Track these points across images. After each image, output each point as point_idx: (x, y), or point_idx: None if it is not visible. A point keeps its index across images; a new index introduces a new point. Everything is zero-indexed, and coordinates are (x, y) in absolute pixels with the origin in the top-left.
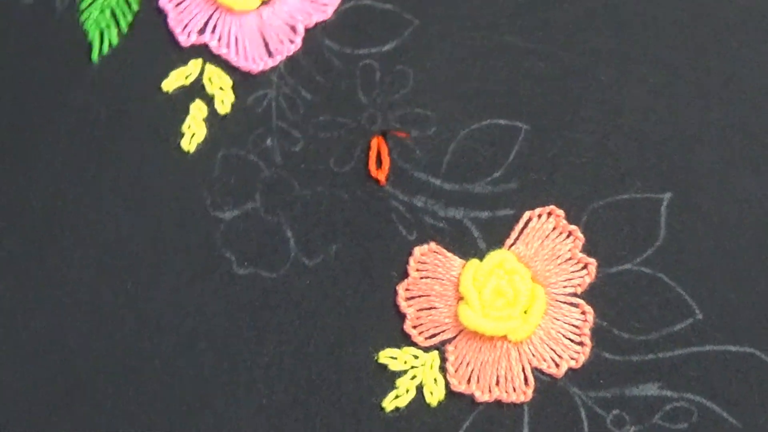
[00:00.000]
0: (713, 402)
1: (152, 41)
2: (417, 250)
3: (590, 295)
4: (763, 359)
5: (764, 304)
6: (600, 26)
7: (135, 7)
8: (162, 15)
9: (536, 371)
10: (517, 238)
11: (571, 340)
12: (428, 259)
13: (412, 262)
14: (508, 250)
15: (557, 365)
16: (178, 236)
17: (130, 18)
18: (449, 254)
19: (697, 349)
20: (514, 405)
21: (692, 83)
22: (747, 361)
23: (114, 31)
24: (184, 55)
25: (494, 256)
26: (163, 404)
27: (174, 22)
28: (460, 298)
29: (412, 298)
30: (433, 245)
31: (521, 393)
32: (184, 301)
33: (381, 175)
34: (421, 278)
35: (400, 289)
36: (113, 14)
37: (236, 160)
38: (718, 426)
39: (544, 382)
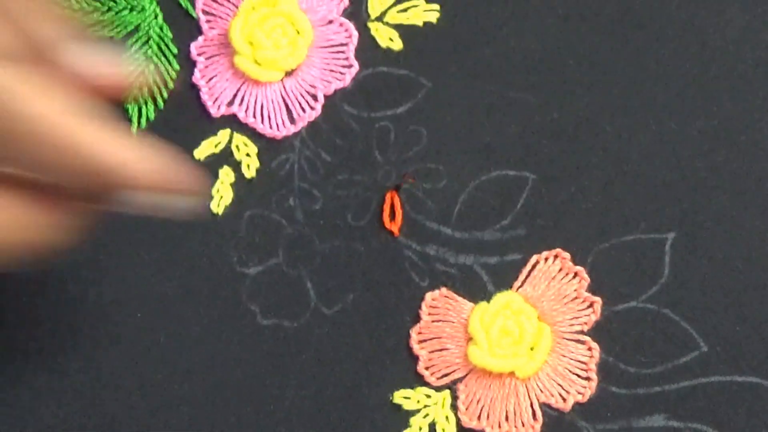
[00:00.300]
0: (720, 431)
1: (186, 114)
2: (429, 296)
3: (596, 332)
4: None
5: None
6: (607, 79)
7: (170, 84)
8: (195, 90)
9: (544, 406)
10: (524, 281)
11: (578, 376)
12: (439, 303)
13: (424, 307)
14: (516, 292)
15: (564, 400)
16: (207, 292)
17: (166, 94)
18: (459, 298)
19: (703, 380)
20: None
21: (697, 129)
22: (753, 390)
23: (151, 107)
24: (215, 126)
25: (500, 298)
26: None
27: (206, 96)
28: (470, 339)
29: (425, 340)
30: (444, 290)
31: (530, 427)
32: (211, 350)
33: (394, 227)
34: (433, 322)
35: (413, 332)
36: (150, 92)
37: (261, 219)
38: None
39: (552, 417)
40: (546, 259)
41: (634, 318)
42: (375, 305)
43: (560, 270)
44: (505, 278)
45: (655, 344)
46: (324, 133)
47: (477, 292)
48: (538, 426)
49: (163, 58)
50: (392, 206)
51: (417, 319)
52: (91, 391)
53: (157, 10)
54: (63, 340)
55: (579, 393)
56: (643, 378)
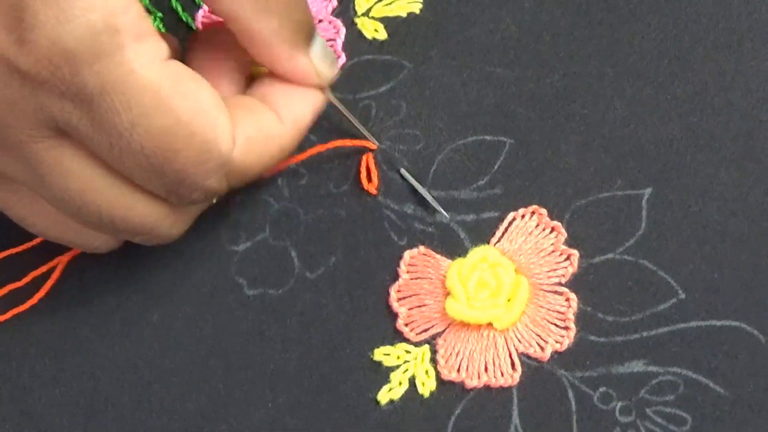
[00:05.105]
0: (699, 373)
1: None
2: (407, 254)
3: (574, 283)
4: (748, 330)
5: (745, 281)
6: (584, 52)
7: None
8: None
9: (523, 356)
10: (501, 236)
11: (556, 326)
12: (418, 261)
13: (402, 265)
14: (493, 247)
15: (542, 349)
16: (198, 269)
17: None
18: (438, 255)
19: (682, 326)
20: (503, 389)
21: (672, 93)
22: (731, 333)
23: None
24: None
25: (477, 252)
26: (180, 413)
27: None
28: (448, 294)
29: (404, 298)
30: (422, 248)
31: (509, 377)
32: (201, 323)
33: (372, 187)
34: (412, 279)
35: (392, 290)
36: None
37: (250, 200)
38: (705, 395)
39: (531, 366)
40: (523, 216)
41: (612, 269)
42: (356, 266)
43: (537, 225)
44: (483, 235)
45: (632, 293)
46: None
47: (455, 249)
48: (516, 375)
49: None
50: (368, 168)
51: (396, 277)
52: (86, 369)
53: (160, 25)
54: (58, 322)
55: (557, 342)
56: (621, 326)
